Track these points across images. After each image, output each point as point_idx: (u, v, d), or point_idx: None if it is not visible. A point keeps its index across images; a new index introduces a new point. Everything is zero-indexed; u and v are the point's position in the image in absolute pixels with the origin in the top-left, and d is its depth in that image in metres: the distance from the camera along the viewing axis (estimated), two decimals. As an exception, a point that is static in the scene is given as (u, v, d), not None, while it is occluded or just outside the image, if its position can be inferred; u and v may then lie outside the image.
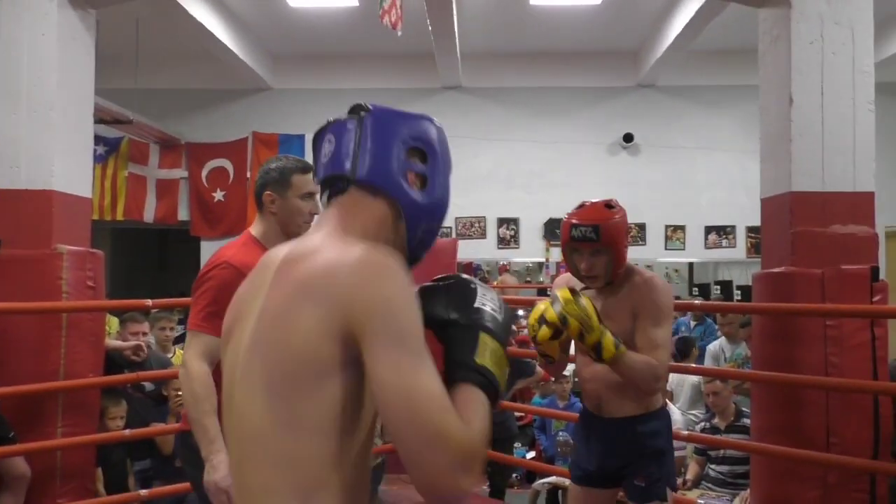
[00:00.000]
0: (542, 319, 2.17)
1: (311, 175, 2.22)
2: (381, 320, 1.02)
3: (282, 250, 1.18)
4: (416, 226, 1.26)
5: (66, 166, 3.73)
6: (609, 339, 2.11)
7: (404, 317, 1.05)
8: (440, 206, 1.30)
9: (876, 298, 3.23)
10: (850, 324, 3.22)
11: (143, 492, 3.70)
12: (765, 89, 3.72)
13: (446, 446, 1.00)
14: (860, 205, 3.42)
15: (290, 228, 2.27)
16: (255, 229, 2.31)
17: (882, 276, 3.32)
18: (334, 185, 1.23)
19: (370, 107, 1.25)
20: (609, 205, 2.40)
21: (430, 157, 1.29)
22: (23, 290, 3.43)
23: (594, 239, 2.30)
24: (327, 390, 1.04)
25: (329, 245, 1.12)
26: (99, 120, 7.66)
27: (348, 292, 1.04)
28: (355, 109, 1.26)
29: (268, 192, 2.27)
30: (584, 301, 2.12)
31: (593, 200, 2.44)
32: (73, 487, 3.52)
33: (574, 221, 2.34)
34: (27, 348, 3.46)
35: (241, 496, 1.11)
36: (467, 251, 9.16)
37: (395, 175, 1.22)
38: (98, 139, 8.41)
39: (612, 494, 2.46)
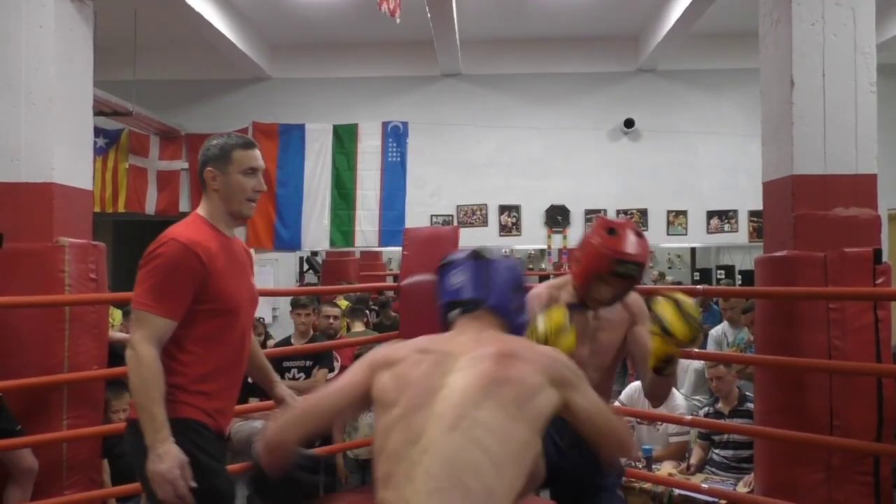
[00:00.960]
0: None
1: (254, 151, 2.24)
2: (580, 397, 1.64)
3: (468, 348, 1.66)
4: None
5: (66, 159, 3.73)
6: None
7: None
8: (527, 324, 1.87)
9: (879, 281, 3.23)
10: (853, 307, 3.22)
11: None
12: (766, 72, 3.70)
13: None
14: (862, 187, 3.41)
15: (232, 206, 2.22)
16: (201, 209, 2.25)
17: (885, 258, 3.32)
18: (467, 304, 1.74)
19: (489, 255, 1.79)
20: (641, 234, 2.33)
21: (523, 292, 1.82)
22: (25, 284, 3.43)
23: (636, 277, 2.28)
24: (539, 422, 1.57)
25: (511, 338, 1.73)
26: (98, 112, 7.66)
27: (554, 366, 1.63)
28: (476, 255, 1.80)
29: (209, 169, 2.21)
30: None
31: (627, 226, 2.32)
32: (79, 479, 3.53)
33: (620, 256, 2.24)
34: (31, 342, 3.47)
35: (464, 473, 1.43)
36: (469, 239, 9.13)
37: (508, 305, 1.77)
38: (98, 131, 8.40)
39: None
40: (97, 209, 8.87)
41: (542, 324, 2.13)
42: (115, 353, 3.95)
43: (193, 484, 1.97)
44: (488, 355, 1.59)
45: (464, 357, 1.61)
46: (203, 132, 9.04)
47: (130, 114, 7.66)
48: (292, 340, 5.07)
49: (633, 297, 2.43)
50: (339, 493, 4.73)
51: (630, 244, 2.25)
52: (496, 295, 1.75)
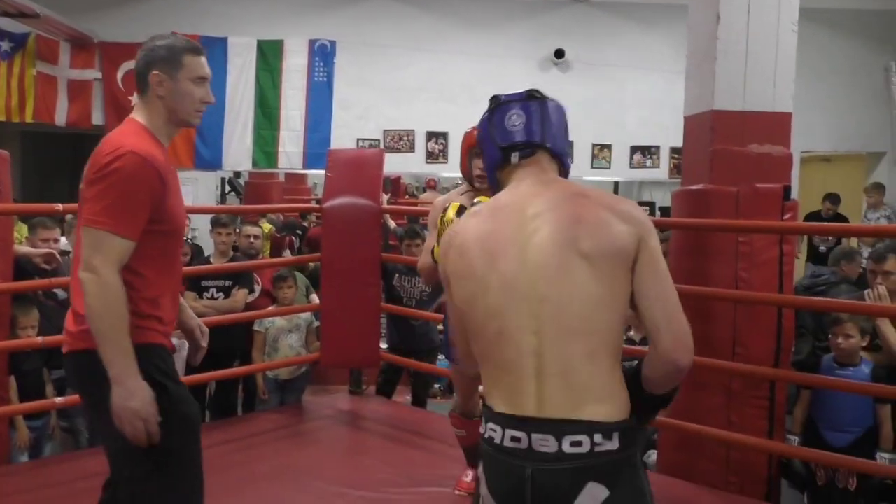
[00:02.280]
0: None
1: (204, 58, 2.07)
2: (654, 241, 1.56)
3: (529, 194, 1.62)
4: None
5: (-36, 59, 3.48)
6: None
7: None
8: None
9: (786, 217, 3.36)
10: (761, 240, 3.35)
11: (59, 399, 3.64)
12: (693, 6, 3.72)
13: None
14: (778, 125, 3.51)
15: (179, 115, 2.05)
16: (140, 117, 2.03)
17: (794, 196, 3.45)
18: (524, 148, 1.67)
19: (546, 96, 1.74)
20: None
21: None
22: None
23: None
24: (628, 278, 1.51)
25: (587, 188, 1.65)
26: (3, 13, 7.17)
27: (643, 220, 1.56)
28: (533, 95, 1.73)
29: (155, 73, 2.00)
30: None
31: None
32: (-19, 395, 3.44)
33: None
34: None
35: (563, 364, 1.47)
36: (395, 164, 9.09)
37: (564, 148, 1.73)
38: (2, 34, 7.91)
39: None
40: (2, 118, 8.39)
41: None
42: (22, 269, 3.80)
43: (160, 418, 1.87)
44: (568, 209, 1.55)
45: (538, 202, 1.58)
46: (118, 40, 8.57)
47: (38, 16, 7.19)
48: (212, 260, 4.97)
49: None
50: (259, 412, 4.75)
51: None
52: (553, 137, 1.70)
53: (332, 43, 8.88)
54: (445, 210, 2.54)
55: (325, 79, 8.92)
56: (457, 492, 3.21)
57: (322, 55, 8.90)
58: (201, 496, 2.02)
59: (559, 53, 9.44)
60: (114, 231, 1.84)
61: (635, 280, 1.52)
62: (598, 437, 1.44)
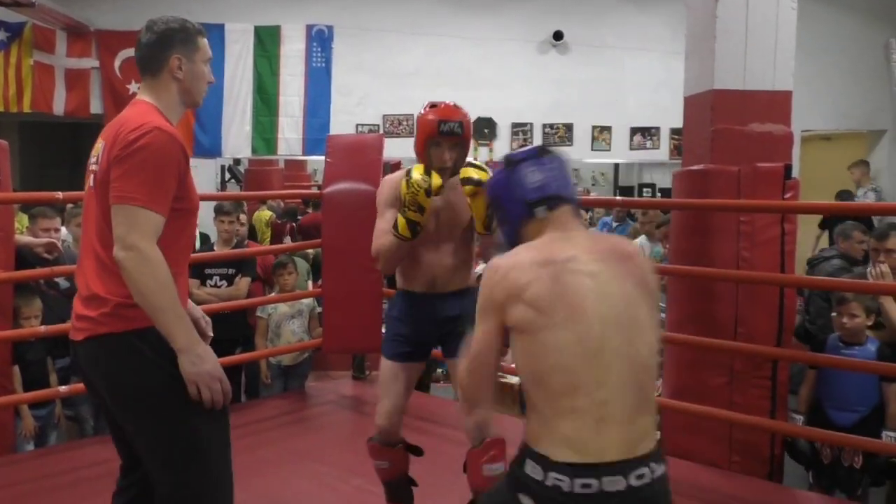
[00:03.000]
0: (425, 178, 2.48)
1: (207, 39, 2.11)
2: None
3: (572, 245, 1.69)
4: None
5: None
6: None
7: None
8: None
9: (787, 195, 3.35)
10: (762, 219, 3.34)
11: (63, 388, 3.65)
12: (693, -15, 3.70)
13: None
14: (778, 103, 3.49)
15: (193, 96, 2.06)
16: (151, 98, 2.00)
17: (795, 175, 3.44)
18: (553, 201, 1.74)
19: (554, 150, 1.83)
20: (459, 105, 2.68)
21: None
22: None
23: (459, 133, 2.58)
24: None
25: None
26: (-3, 2, 7.13)
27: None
28: (546, 150, 1.81)
29: (176, 56, 2.00)
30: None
31: (447, 101, 2.68)
32: (-14, 385, 3.45)
33: (441, 118, 2.57)
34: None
35: (628, 433, 1.57)
36: (395, 149, 9.05)
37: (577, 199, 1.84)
38: (-2, 24, 7.87)
39: (421, 366, 2.86)
40: (0, 109, 8.37)
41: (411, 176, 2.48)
42: (23, 258, 3.80)
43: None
44: (613, 254, 1.68)
45: (588, 257, 1.65)
46: (115, 28, 8.53)
47: (33, 5, 7.15)
48: (215, 248, 4.96)
49: None
50: (263, 399, 4.77)
51: (448, 108, 2.62)
52: (572, 190, 1.82)
53: (330, 28, 8.84)
54: (408, 178, 2.50)
55: (323, 64, 8.89)
56: None
57: (320, 40, 8.86)
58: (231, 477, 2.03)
59: (558, 35, 9.39)
60: (148, 206, 1.81)
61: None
62: (653, 465, 1.59)
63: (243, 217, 5.38)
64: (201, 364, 1.81)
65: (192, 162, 7.17)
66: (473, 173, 2.51)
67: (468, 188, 2.50)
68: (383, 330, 2.97)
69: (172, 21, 2.04)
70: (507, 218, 1.81)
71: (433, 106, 2.65)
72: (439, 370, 6.38)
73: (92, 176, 1.95)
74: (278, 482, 3.23)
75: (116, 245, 1.81)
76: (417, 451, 2.93)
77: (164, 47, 2.00)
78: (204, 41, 2.06)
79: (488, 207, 2.33)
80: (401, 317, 2.75)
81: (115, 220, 1.82)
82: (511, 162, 1.80)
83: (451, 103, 2.66)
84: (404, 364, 2.75)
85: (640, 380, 1.60)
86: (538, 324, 1.60)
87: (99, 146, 1.94)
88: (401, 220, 2.51)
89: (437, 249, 2.64)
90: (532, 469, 1.57)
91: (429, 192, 2.48)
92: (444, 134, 2.56)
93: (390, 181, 2.69)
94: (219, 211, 4.98)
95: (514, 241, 1.77)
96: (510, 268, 1.65)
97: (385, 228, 2.60)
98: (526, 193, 1.75)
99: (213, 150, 8.96)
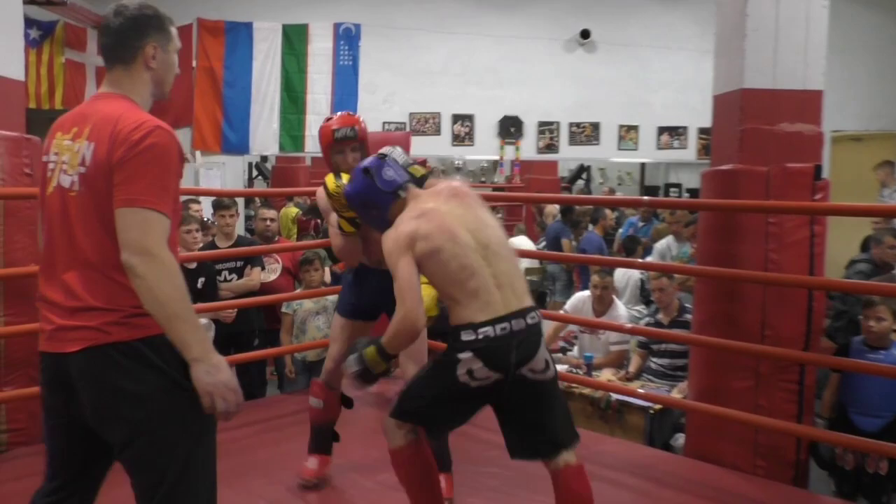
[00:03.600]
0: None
1: None
2: None
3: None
4: None
5: (-6, 46, 3.52)
6: None
7: None
8: None
9: (817, 196, 3.30)
10: (791, 221, 3.30)
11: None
12: (723, -18, 3.66)
13: None
14: (808, 103, 3.44)
15: (164, 88, 1.93)
16: (129, 91, 1.87)
17: (825, 176, 3.39)
18: (403, 185, 2.52)
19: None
20: (353, 113, 3.10)
21: None
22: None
23: (353, 137, 2.96)
24: None
25: None
26: (30, 1, 7.24)
27: None
28: (385, 155, 2.57)
29: (152, 45, 1.86)
30: None
31: (341, 112, 3.10)
32: (17, 376, 3.49)
33: (334, 127, 2.97)
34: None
35: (515, 293, 2.33)
36: (422, 147, 9.07)
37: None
38: (30, 22, 7.98)
39: (368, 325, 3.20)
40: (32, 105, 8.49)
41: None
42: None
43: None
44: (451, 195, 2.42)
45: (438, 202, 2.39)
46: (145, 27, 8.63)
47: (65, 3, 7.26)
48: (217, 243, 4.99)
49: None
50: (288, 394, 4.80)
51: (342, 117, 3.03)
52: (407, 173, 2.52)
53: (357, 26, 8.87)
54: (326, 189, 2.81)
55: (350, 62, 8.92)
56: (301, 480, 3.15)
57: (347, 39, 8.90)
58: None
59: (585, 34, 9.35)
60: (158, 209, 1.71)
61: None
62: (536, 312, 2.36)
63: (273, 213, 5.43)
64: (217, 374, 1.72)
65: (220, 158, 7.30)
66: (328, 182, 2.82)
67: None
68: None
69: (146, 7, 1.89)
70: (377, 205, 2.48)
71: (328, 119, 3.05)
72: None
73: (69, 178, 1.79)
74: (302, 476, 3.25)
75: (127, 249, 1.69)
76: (349, 403, 3.30)
77: (138, 34, 1.86)
78: (174, 30, 1.95)
79: (351, 209, 2.71)
80: (352, 285, 3.15)
81: (125, 225, 1.70)
82: (368, 171, 2.48)
83: (346, 112, 3.08)
84: (352, 321, 3.15)
85: (506, 255, 2.38)
86: (435, 246, 2.29)
87: (75, 146, 1.79)
88: (341, 221, 2.84)
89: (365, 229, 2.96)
90: (466, 334, 2.25)
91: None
92: (339, 140, 2.95)
93: (319, 192, 3.01)
94: (218, 206, 5.02)
95: (385, 220, 2.44)
96: (401, 228, 2.34)
97: (334, 231, 2.94)
98: (387, 184, 2.46)
99: (240, 147, 9.03)
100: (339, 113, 3.10)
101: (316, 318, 4.84)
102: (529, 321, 2.31)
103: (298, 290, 4.91)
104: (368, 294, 3.11)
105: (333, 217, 2.91)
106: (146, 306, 1.70)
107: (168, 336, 1.71)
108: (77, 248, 1.77)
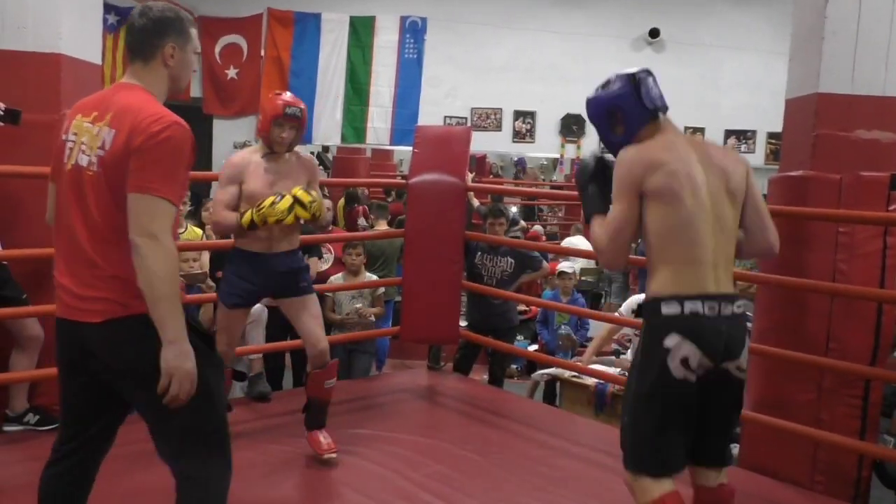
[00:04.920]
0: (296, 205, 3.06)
1: None
2: None
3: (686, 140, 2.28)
4: None
5: (74, 30, 3.64)
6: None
7: None
8: None
9: (892, 207, 3.18)
10: (864, 231, 3.18)
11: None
12: (801, -17, 3.54)
13: None
14: (888, 110, 3.31)
15: (179, 85, 2.10)
16: (147, 85, 2.03)
17: (902, 185, 3.26)
18: (665, 109, 2.28)
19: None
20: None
21: None
22: (29, 155, 3.40)
23: (299, 117, 3.21)
24: None
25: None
26: (109, -14, 7.46)
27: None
28: (651, 72, 2.32)
29: (172, 44, 2.03)
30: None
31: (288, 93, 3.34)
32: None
33: (290, 101, 3.20)
34: (36, 213, 3.43)
35: (728, 277, 2.16)
36: (482, 143, 9.05)
37: None
38: (109, 7, 8.22)
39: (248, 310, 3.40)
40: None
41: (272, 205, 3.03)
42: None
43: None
44: (715, 158, 2.20)
45: (695, 156, 2.17)
46: (217, 15, 8.83)
47: (142, -10, 7.45)
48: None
49: (309, 158, 3.47)
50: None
51: (293, 97, 3.26)
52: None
53: (423, 20, 8.89)
54: (273, 205, 3.03)
55: (415, 56, 8.95)
56: (326, 455, 3.28)
57: (413, 32, 8.93)
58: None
59: (654, 33, 9.20)
60: (167, 198, 1.87)
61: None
62: (743, 300, 2.16)
63: (329, 202, 5.49)
64: (184, 360, 1.86)
65: (283, 147, 7.20)
66: (301, 203, 3.06)
67: (302, 211, 3.07)
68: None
69: (168, 10, 2.06)
70: (626, 121, 2.23)
71: (278, 94, 3.28)
72: (514, 366, 6.36)
73: (86, 157, 1.94)
74: (348, 465, 3.29)
75: (135, 230, 1.85)
76: (240, 377, 3.74)
77: (159, 34, 2.02)
78: (194, 32, 2.12)
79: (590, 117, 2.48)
80: (239, 273, 3.22)
81: (136, 208, 1.86)
82: (635, 77, 2.24)
83: (292, 95, 3.28)
84: (239, 309, 3.27)
85: (732, 237, 2.18)
86: (675, 190, 2.08)
87: (95, 129, 1.94)
88: (247, 219, 3.04)
89: None
90: (668, 306, 2.06)
91: (280, 223, 3.05)
92: (288, 116, 3.15)
93: (235, 162, 3.22)
94: None
95: (627, 142, 2.21)
96: (644, 150, 2.15)
97: (225, 200, 3.13)
98: (651, 101, 2.21)
99: (304, 137, 9.16)
100: (285, 92, 3.36)
101: (352, 301, 4.89)
102: (737, 309, 2.11)
103: (355, 281, 4.96)
104: (259, 279, 3.20)
105: (232, 189, 3.13)
106: (140, 283, 1.85)
107: (151, 314, 1.85)
108: (92, 222, 1.93)
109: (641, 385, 2.12)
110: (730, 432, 2.21)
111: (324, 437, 3.33)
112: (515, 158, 13.49)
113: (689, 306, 2.05)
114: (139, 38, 2.03)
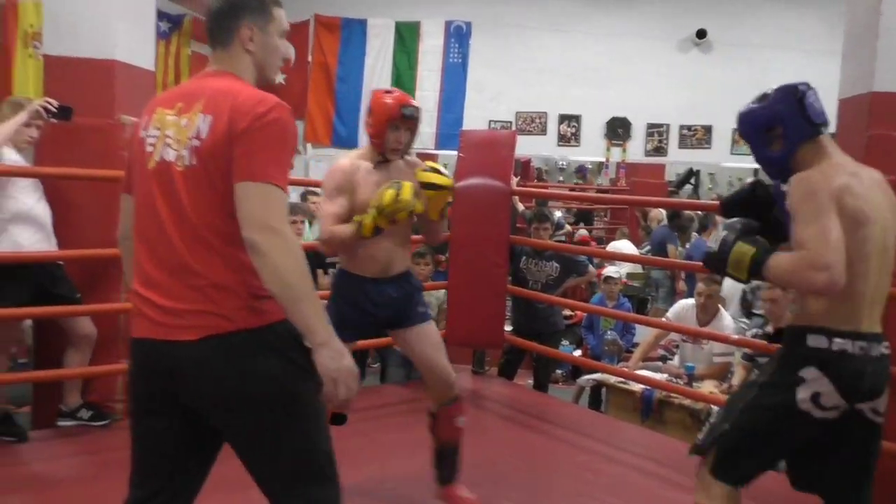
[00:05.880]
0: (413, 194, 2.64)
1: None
2: None
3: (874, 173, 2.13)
4: None
5: (128, 37, 3.73)
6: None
7: None
8: None
9: (952, 209, 3.07)
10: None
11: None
12: (855, -21, 3.46)
13: None
14: (946, 109, 3.21)
15: (266, 72, 1.84)
16: (236, 70, 1.78)
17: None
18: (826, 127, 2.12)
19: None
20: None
21: None
22: (84, 158, 3.50)
23: (417, 119, 2.83)
24: None
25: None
26: (162, -5, 7.63)
27: None
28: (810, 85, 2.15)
29: (248, 24, 1.78)
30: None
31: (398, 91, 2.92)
32: (135, 350, 3.69)
33: (404, 100, 2.80)
34: (90, 215, 3.56)
35: (879, 314, 2.04)
36: (527, 147, 9.03)
37: None
38: (161, 15, 8.40)
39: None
40: (160, 94, 8.96)
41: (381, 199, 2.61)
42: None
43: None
44: (880, 183, 2.09)
45: (872, 183, 2.06)
46: (265, 22, 8.95)
47: (193, -2, 7.61)
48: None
49: (416, 160, 3.00)
50: (387, 385, 4.87)
51: (405, 96, 2.86)
52: None
53: (468, 24, 8.91)
54: (397, 193, 2.60)
55: (459, 60, 8.97)
56: None
57: (458, 36, 8.95)
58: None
59: (701, 33, 9.07)
60: (280, 185, 1.63)
61: None
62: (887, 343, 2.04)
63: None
64: (341, 359, 1.61)
65: (330, 152, 7.49)
66: (436, 179, 2.73)
67: (430, 192, 2.72)
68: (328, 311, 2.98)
69: None
70: (787, 135, 2.09)
71: (388, 92, 2.87)
72: (559, 371, 6.31)
73: (174, 151, 1.68)
74: (392, 466, 3.29)
75: (250, 226, 1.59)
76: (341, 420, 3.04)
77: (233, 15, 1.78)
78: (280, 12, 1.85)
79: (741, 132, 2.36)
80: (353, 302, 2.83)
81: (247, 199, 1.60)
82: (798, 91, 2.11)
83: (401, 92, 2.90)
84: (350, 346, 2.74)
85: (889, 276, 2.05)
86: (858, 219, 1.94)
87: (182, 120, 1.69)
88: (368, 222, 2.62)
89: (391, 235, 2.75)
90: (815, 339, 1.95)
91: (411, 215, 2.66)
92: (406, 118, 2.77)
93: (342, 168, 2.80)
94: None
95: (785, 159, 2.11)
96: (832, 169, 2.01)
97: (335, 213, 2.70)
98: (814, 116, 2.08)
99: (349, 141, 9.23)
100: (395, 90, 2.91)
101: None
102: (884, 350, 2.01)
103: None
104: (371, 307, 2.82)
105: (341, 200, 2.71)
106: (269, 286, 1.59)
107: (291, 318, 1.61)
108: (188, 223, 1.66)
109: (759, 400, 2.03)
110: (863, 480, 2.05)
111: (466, 492, 2.91)
112: (563, 163, 13.43)
113: (839, 343, 1.95)
114: (215, 21, 1.81)
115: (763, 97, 2.19)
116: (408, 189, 2.62)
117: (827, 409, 1.95)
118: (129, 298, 1.75)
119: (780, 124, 2.11)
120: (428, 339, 2.89)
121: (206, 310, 1.63)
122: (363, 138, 9.14)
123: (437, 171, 2.79)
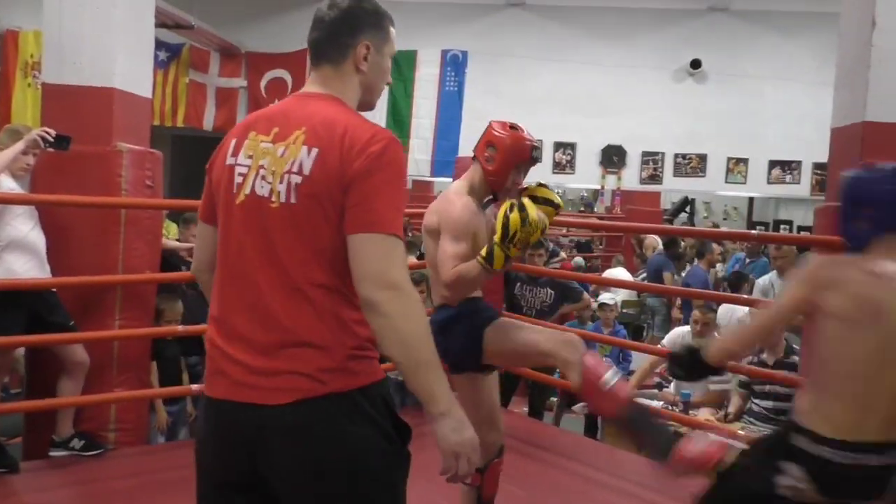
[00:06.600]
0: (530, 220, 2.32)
1: None
2: None
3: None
4: None
5: (127, 65, 3.76)
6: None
7: None
8: None
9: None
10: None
11: (195, 387, 3.84)
12: (846, 11, 3.52)
13: None
14: (938, 139, 3.25)
15: (372, 95, 1.65)
16: (339, 93, 1.58)
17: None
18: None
19: None
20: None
21: None
22: (82, 185, 3.51)
23: (540, 159, 2.62)
24: None
25: None
26: (161, 24, 7.70)
27: None
28: None
29: (366, 42, 1.58)
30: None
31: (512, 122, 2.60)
32: (127, 378, 3.67)
33: (535, 141, 2.55)
34: (87, 242, 3.56)
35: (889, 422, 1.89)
36: (522, 174, 9.08)
37: None
38: (160, 44, 8.48)
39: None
40: (156, 122, 9.00)
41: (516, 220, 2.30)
42: (167, 263, 4.05)
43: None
44: None
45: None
46: (263, 51, 9.04)
47: (192, 27, 7.68)
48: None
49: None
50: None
51: (529, 134, 2.55)
52: None
53: (464, 53, 9.00)
54: (524, 215, 2.31)
55: (455, 88, 9.05)
56: None
57: (454, 65, 9.03)
58: None
59: (695, 64, 9.17)
60: (400, 236, 1.45)
61: None
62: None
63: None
64: (464, 432, 1.45)
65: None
66: (551, 195, 2.46)
67: (548, 209, 2.42)
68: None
69: (365, 0, 1.62)
70: (881, 218, 1.95)
71: (514, 128, 2.55)
72: (552, 398, 6.28)
73: (267, 185, 1.49)
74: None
75: (369, 284, 1.41)
76: None
77: (352, 30, 1.58)
78: (393, 31, 1.65)
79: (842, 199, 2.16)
80: (474, 325, 2.58)
81: (366, 253, 1.42)
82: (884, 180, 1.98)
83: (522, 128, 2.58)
84: (480, 374, 2.66)
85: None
86: (852, 318, 1.86)
87: (279, 149, 1.50)
88: (499, 254, 2.30)
89: None
90: (801, 440, 1.89)
91: (544, 231, 2.35)
92: (534, 161, 2.57)
93: (473, 209, 2.50)
94: None
95: (861, 241, 1.97)
96: (850, 262, 1.95)
97: (460, 254, 2.39)
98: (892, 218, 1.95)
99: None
100: (518, 125, 2.58)
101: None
102: (889, 459, 1.88)
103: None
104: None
105: (468, 243, 2.41)
106: (387, 350, 1.44)
107: (411, 385, 1.44)
108: (281, 271, 1.47)
109: (740, 475, 2.00)
110: None
111: None
112: (559, 191, 13.49)
113: (821, 451, 1.88)
114: (327, 35, 1.59)
115: (877, 168, 2.05)
116: (532, 208, 2.32)
117: (805, 499, 1.91)
118: (206, 347, 1.56)
119: (873, 206, 1.98)
120: (495, 378, 2.71)
121: (297, 370, 1.45)
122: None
123: (543, 185, 2.52)
